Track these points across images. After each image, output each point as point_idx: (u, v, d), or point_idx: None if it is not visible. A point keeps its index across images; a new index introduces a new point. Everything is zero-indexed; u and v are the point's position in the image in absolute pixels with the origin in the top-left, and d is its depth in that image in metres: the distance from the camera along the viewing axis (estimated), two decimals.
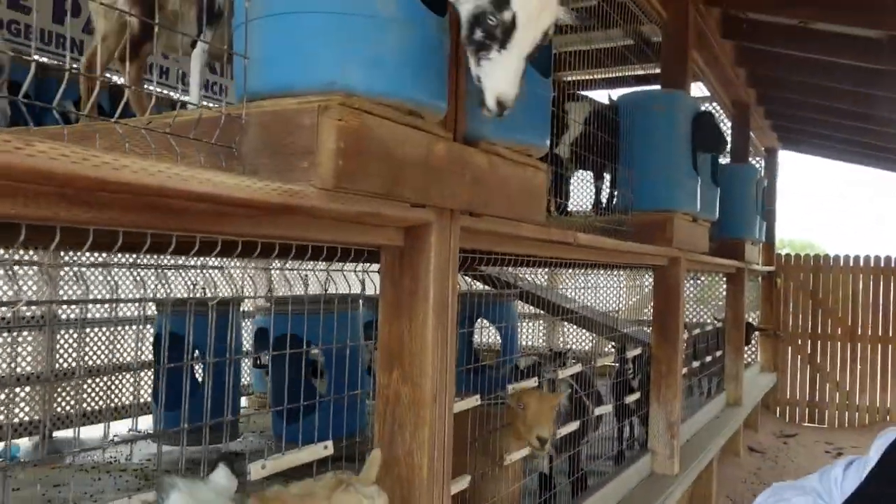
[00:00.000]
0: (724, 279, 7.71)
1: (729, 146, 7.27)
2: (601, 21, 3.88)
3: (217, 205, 1.39)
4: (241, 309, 6.58)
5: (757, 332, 9.20)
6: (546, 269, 8.52)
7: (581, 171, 4.80)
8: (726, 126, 7.44)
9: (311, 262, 1.98)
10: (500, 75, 1.69)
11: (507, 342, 6.95)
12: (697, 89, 6.54)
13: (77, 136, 1.71)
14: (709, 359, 6.75)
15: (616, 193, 4.50)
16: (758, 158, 9.42)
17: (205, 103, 1.56)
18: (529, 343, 9.46)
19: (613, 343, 5.50)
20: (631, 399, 4.52)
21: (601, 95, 5.06)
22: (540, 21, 1.72)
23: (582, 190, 5.14)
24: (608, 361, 4.25)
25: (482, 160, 2.11)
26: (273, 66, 1.62)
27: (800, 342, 10.20)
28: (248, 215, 1.51)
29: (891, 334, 9.66)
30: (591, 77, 5.97)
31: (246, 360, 7.20)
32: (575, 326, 9.25)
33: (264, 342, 6.37)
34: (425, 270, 1.99)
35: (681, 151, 4.30)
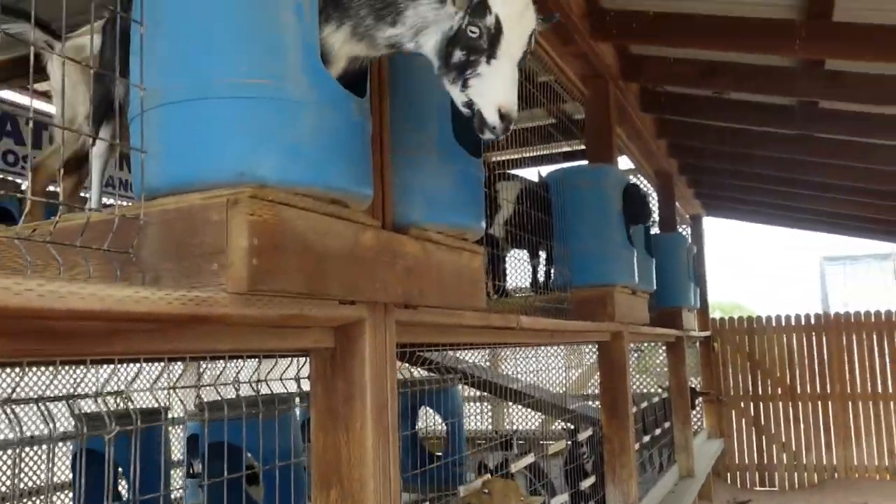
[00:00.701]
0: (663, 347, 7.68)
1: (655, 215, 7.37)
2: (525, 101, 3.87)
3: (109, 321, 1.19)
4: (171, 416, 6.18)
5: (700, 398, 9.17)
6: (488, 350, 8.37)
7: (516, 249, 4.71)
8: (652, 197, 7.56)
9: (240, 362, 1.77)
10: (495, 86, 1.54)
11: (453, 429, 6.70)
12: (623, 162, 6.64)
13: None
14: (658, 431, 6.63)
15: (553, 271, 4.41)
16: (684, 226, 9.60)
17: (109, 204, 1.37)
18: (476, 426, 9.18)
19: (564, 423, 5.33)
20: (586, 484, 4.32)
21: (530, 173, 5.05)
22: (524, 21, 1.59)
23: (519, 269, 5.06)
24: (559, 447, 4.06)
25: (414, 248, 1.96)
26: (174, 159, 1.45)
27: (742, 405, 10.21)
28: (149, 329, 1.31)
29: (828, 391, 9.76)
30: (520, 156, 5.99)
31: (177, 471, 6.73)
32: (522, 407, 9.05)
33: (197, 450, 5.96)
34: (360, 372, 1.80)
35: (614, 224, 4.26)
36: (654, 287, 5.22)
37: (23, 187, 5.54)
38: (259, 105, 1.43)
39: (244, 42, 1.44)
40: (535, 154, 6.30)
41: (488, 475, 2.78)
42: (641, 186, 4.82)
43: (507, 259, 4.64)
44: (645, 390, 8.98)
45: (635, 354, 9.27)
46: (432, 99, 2.06)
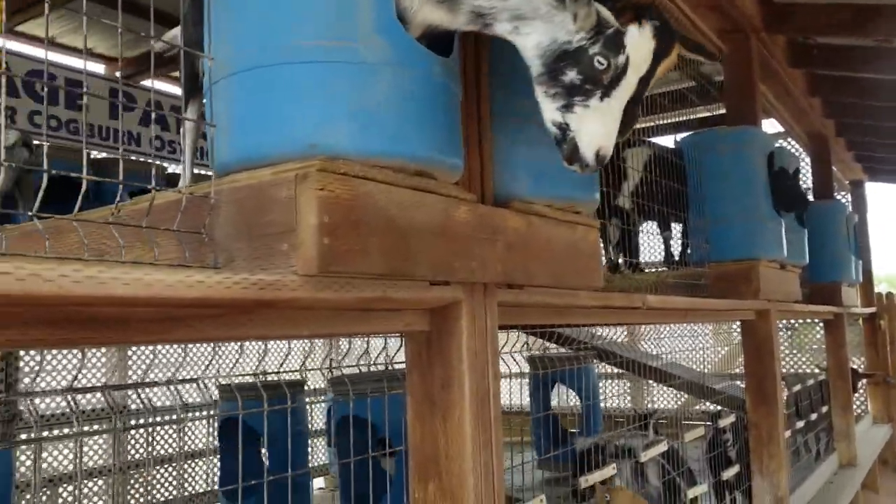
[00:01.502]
0: (821, 324, 7.06)
1: (808, 184, 6.76)
2: None
3: (161, 308, 1.11)
4: (313, 387, 6.37)
5: (864, 380, 8.40)
6: (624, 326, 8.03)
7: (648, 222, 4.41)
8: (805, 162, 6.92)
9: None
10: (600, 127, 1.45)
11: (587, 407, 6.50)
12: (769, 125, 6.10)
13: (52, 230, 1.49)
14: (814, 416, 6.10)
15: (689, 244, 4.08)
16: (843, 193, 8.77)
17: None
18: (613, 405, 8.89)
19: (707, 405, 5.01)
20: (730, 474, 4.00)
21: (666, 141, 4.71)
22: (644, 68, 1.49)
23: (654, 243, 4.75)
24: (697, 434, 3.77)
25: (518, 222, 1.79)
26: (244, 132, 1.36)
27: None
28: (213, 315, 1.22)
29: None
30: (652, 124, 5.62)
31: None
32: (661, 385, 8.65)
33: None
34: (458, 357, 1.66)
35: (758, 192, 3.88)
36: (807, 260, 4.74)
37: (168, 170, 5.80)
38: (329, 69, 1.30)
39: (310, 1, 1.31)
40: (668, 122, 5.90)
41: (616, 482, 2.58)
42: (790, 165, 4.34)
43: (637, 232, 4.36)
44: (799, 370, 8.34)
45: (786, 332, 8.61)
46: None
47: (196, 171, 2.48)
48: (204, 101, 1.75)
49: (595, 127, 1.44)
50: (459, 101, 1.55)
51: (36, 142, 3.72)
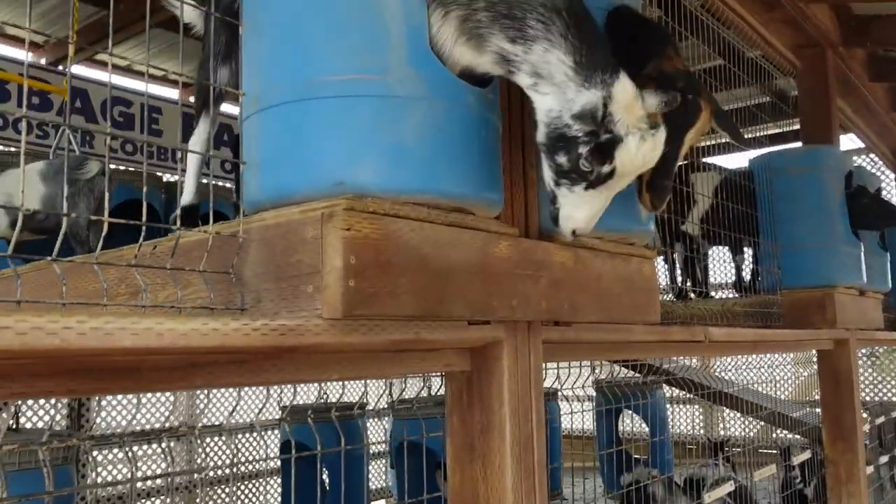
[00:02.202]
0: None
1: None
2: (725, 82, 3.43)
3: (178, 356, 1.07)
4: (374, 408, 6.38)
5: None
6: None
7: (717, 247, 4.23)
8: (888, 178, 6.56)
9: None
10: (580, 212, 1.43)
11: (655, 434, 6.29)
12: (849, 141, 5.81)
13: (71, 271, 1.48)
14: None
15: (760, 270, 3.89)
16: None
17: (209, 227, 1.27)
18: (684, 430, 8.59)
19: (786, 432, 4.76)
20: None
21: (735, 160, 4.53)
22: (642, 167, 1.42)
23: (721, 268, 4.56)
24: (767, 473, 3.56)
25: (564, 256, 1.70)
26: (273, 169, 1.32)
27: None
28: (235, 361, 1.18)
29: None
30: (720, 141, 5.42)
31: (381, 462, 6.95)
32: (736, 412, 8.30)
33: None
34: (498, 400, 1.58)
35: (834, 215, 3.66)
36: (889, 286, 4.46)
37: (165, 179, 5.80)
38: (357, 103, 1.26)
39: (339, 33, 1.27)
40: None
41: None
42: (871, 184, 4.10)
43: (705, 258, 4.18)
44: (884, 398, 7.88)
45: (868, 359, 8.16)
46: None
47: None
48: (214, 116, 1.73)
49: (574, 210, 1.42)
50: (499, 132, 1.49)
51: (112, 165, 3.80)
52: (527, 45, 1.34)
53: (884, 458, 5.26)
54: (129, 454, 1.66)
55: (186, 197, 1.81)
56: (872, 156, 6.60)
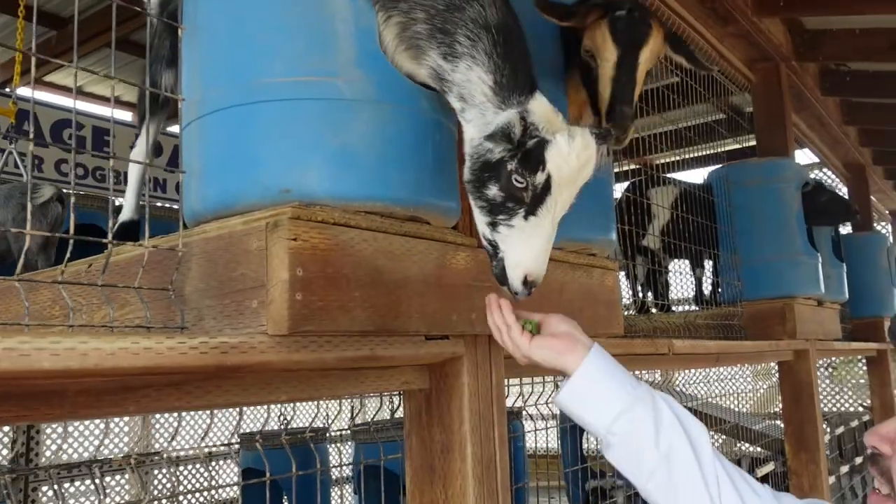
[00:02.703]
0: (863, 360, 6.75)
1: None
2: (684, 97, 3.43)
3: (107, 378, 0.98)
4: (336, 433, 6.24)
5: None
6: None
7: (676, 260, 4.23)
8: (842, 193, 6.68)
9: None
10: (528, 248, 1.25)
11: None
12: (804, 155, 5.90)
13: (29, 288, 1.38)
14: (859, 460, 5.79)
15: (720, 283, 3.89)
16: (883, 224, 8.47)
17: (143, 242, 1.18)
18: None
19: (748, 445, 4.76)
20: None
21: (695, 175, 4.55)
22: (579, 179, 1.27)
23: (682, 282, 4.55)
24: None
25: None
26: (215, 178, 1.24)
27: None
28: (174, 383, 1.09)
29: None
30: (679, 158, 5.44)
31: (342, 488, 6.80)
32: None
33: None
34: (459, 419, 1.51)
35: (793, 226, 3.68)
36: (846, 296, 4.51)
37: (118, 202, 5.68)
38: (302, 107, 1.19)
39: (284, 34, 1.21)
40: (697, 155, 5.72)
41: None
42: (823, 183, 4.16)
43: (666, 272, 4.18)
44: (842, 409, 7.98)
45: (827, 370, 8.26)
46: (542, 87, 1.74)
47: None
48: (158, 123, 1.64)
49: (521, 250, 1.24)
50: (455, 138, 1.43)
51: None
52: (454, 63, 1.25)
53: (844, 468, 5.29)
54: (95, 482, 1.54)
55: (126, 213, 1.71)
56: (826, 171, 6.72)
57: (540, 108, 1.23)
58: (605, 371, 1.24)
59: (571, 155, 1.21)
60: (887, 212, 8.41)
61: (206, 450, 5.43)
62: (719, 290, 3.95)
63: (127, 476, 5.51)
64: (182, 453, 5.96)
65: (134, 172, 1.75)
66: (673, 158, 5.54)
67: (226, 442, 5.69)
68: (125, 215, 1.71)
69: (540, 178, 1.21)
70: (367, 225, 1.25)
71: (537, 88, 1.25)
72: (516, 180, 1.21)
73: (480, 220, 1.27)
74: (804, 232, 3.72)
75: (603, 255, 1.94)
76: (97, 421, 4.91)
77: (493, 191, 1.23)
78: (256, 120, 1.19)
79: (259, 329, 1.12)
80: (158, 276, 1.26)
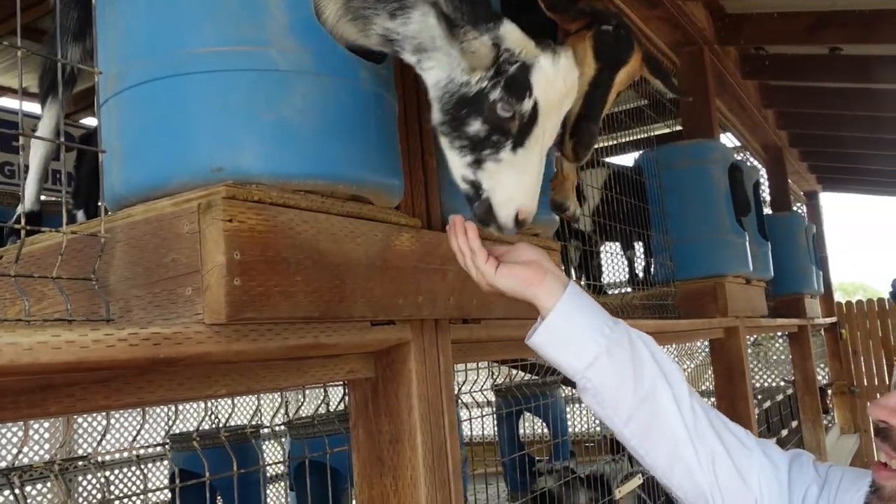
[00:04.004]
0: (783, 336, 7.00)
1: (766, 195, 6.72)
2: None
3: (31, 376, 0.89)
4: (271, 430, 6.09)
5: (830, 394, 8.36)
6: None
7: (609, 243, 4.27)
8: (762, 175, 6.89)
9: None
10: (516, 183, 1.19)
11: (556, 435, 6.31)
12: (726, 139, 6.03)
13: None
14: (785, 432, 6.00)
15: (653, 263, 3.94)
16: (799, 205, 8.80)
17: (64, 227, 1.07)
18: (585, 428, 8.71)
19: None
20: None
21: (627, 160, 4.60)
22: (564, 105, 1.22)
23: (616, 264, 4.60)
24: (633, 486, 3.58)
25: None
26: (138, 158, 1.14)
27: (878, 395, 9.24)
28: (101, 380, 1.00)
29: None
30: (611, 143, 5.50)
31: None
32: None
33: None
34: (407, 407, 1.45)
35: (721, 206, 3.75)
36: (772, 274, 4.65)
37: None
38: (233, 79, 1.10)
39: (210, 0, 1.11)
40: (628, 140, 5.80)
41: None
42: (751, 178, 4.26)
43: (600, 254, 4.21)
44: (765, 384, 8.27)
45: (753, 348, 8.55)
46: None
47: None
48: (62, 103, 1.53)
49: (511, 185, 1.19)
50: (395, 112, 1.36)
51: None
52: (406, 16, 1.18)
53: (772, 441, 5.46)
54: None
55: (27, 204, 1.56)
56: (748, 154, 6.91)
57: (512, 33, 1.16)
58: (583, 309, 1.20)
59: (558, 77, 1.15)
60: (802, 193, 8.74)
61: (135, 452, 5.22)
62: (651, 271, 4.00)
63: (49, 484, 5.24)
64: (109, 457, 5.72)
65: (36, 159, 1.60)
66: (605, 143, 5.60)
67: (157, 443, 5.48)
68: (27, 206, 1.56)
69: (527, 104, 1.15)
70: (308, 205, 1.18)
71: (503, 17, 1.17)
72: (503, 109, 1.15)
73: (460, 163, 1.21)
74: (732, 212, 3.80)
75: (546, 234, 1.90)
76: (12, 425, 4.64)
77: (476, 126, 1.17)
78: (183, 94, 1.10)
79: (194, 318, 1.04)
80: (79, 266, 1.16)
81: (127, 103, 1.14)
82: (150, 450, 5.40)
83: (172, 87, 1.11)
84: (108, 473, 5.48)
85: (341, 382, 1.56)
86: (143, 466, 5.49)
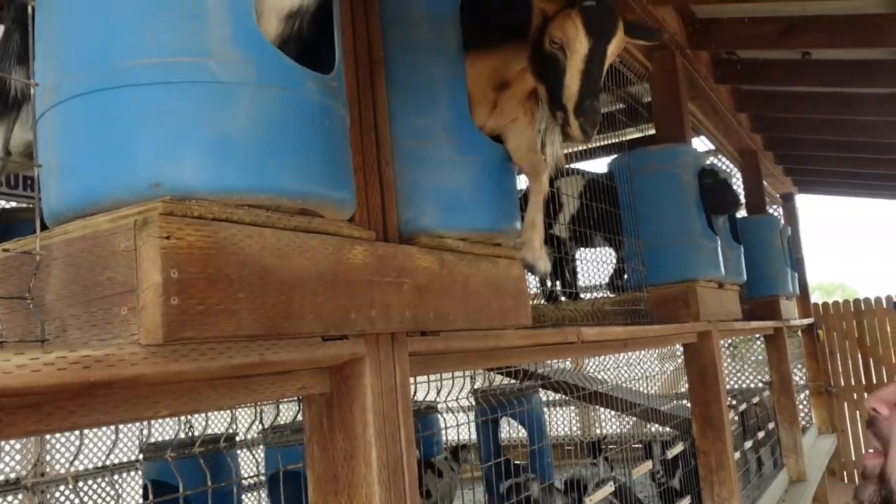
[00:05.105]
0: (761, 338, 7.03)
1: (742, 200, 6.75)
2: None
3: None
4: (246, 438, 6.03)
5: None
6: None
7: (584, 249, 4.26)
8: (736, 178, 6.93)
9: None
10: None
11: (533, 440, 6.31)
12: (700, 143, 6.06)
13: None
14: (762, 434, 6.02)
15: (626, 269, 3.94)
16: (774, 207, 8.85)
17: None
18: (563, 433, 8.71)
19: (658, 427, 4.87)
20: None
21: (598, 165, 4.60)
22: None
23: (592, 269, 4.59)
24: (645, 470, 3.58)
25: (428, 261, 1.57)
26: (75, 172, 1.11)
27: (855, 396, 9.35)
28: (29, 405, 0.96)
29: None
30: (584, 147, 5.49)
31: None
32: (612, 410, 8.50)
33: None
34: (362, 423, 1.42)
35: (691, 211, 3.76)
36: (745, 278, 4.66)
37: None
38: (174, 91, 1.07)
39: (150, 8, 1.08)
40: (600, 144, 5.80)
41: None
42: (719, 170, 4.27)
43: (575, 259, 4.21)
44: (743, 385, 8.31)
45: (728, 349, 8.59)
46: (440, 72, 1.67)
47: None
48: (10, 123, 1.50)
49: None
50: (346, 124, 1.34)
51: None
52: None
53: (748, 444, 5.48)
54: None
55: None
56: (722, 158, 6.95)
57: None
58: None
59: None
60: (778, 195, 8.80)
61: (109, 464, 5.14)
62: (624, 276, 4.00)
63: (20, 496, 5.15)
64: (82, 467, 5.62)
65: None
66: (576, 148, 5.60)
67: (130, 461, 5.40)
68: None
69: None
70: (252, 220, 1.15)
71: None
72: None
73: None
74: (703, 216, 3.80)
75: (508, 244, 1.89)
76: None
77: None
78: (120, 107, 1.07)
79: (130, 339, 1.00)
80: (15, 285, 1.12)
81: (63, 116, 1.11)
82: (124, 459, 5.32)
83: (108, 99, 1.07)
84: (80, 484, 5.39)
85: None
86: (115, 476, 5.42)
